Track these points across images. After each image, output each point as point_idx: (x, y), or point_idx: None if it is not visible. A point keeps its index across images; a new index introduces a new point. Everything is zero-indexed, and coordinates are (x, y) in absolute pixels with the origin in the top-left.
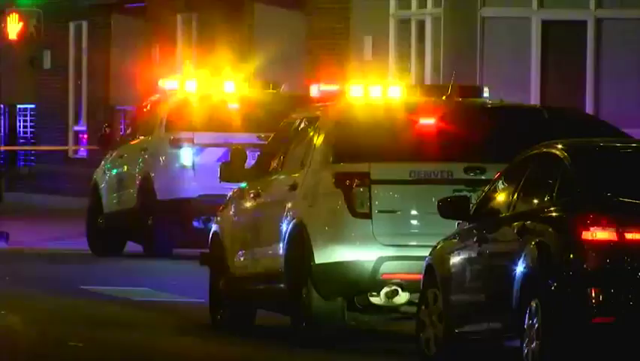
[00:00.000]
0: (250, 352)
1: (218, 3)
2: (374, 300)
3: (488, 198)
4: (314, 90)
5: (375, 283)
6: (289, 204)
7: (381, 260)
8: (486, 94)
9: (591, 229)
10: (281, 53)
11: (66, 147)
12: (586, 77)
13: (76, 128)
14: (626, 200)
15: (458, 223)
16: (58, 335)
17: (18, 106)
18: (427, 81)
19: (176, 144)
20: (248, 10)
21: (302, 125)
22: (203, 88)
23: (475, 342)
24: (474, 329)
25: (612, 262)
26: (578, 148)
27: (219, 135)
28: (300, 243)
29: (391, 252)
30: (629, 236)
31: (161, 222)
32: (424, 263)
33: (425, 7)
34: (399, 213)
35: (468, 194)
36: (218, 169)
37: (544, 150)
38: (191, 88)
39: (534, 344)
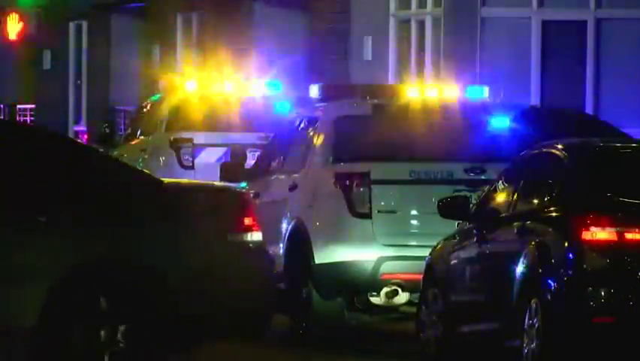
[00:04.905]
0: (250, 352)
1: (218, 3)
2: (374, 300)
3: (488, 198)
4: (314, 90)
5: (375, 283)
6: (289, 204)
7: (381, 260)
8: (486, 94)
9: (591, 228)
10: (281, 53)
11: None
12: (586, 77)
13: (76, 128)
14: (626, 200)
15: (458, 223)
16: None
17: (18, 106)
18: (427, 81)
19: (176, 144)
20: (248, 10)
21: (302, 125)
22: (205, 88)
23: (475, 342)
24: (474, 329)
25: (612, 262)
26: (578, 148)
27: (219, 135)
28: (300, 243)
29: (391, 252)
30: (629, 236)
31: None
32: (424, 263)
33: (425, 7)
34: (399, 213)
35: (468, 194)
36: (218, 169)
37: (544, 150)
38: (191, 87)
39: (534, 344)
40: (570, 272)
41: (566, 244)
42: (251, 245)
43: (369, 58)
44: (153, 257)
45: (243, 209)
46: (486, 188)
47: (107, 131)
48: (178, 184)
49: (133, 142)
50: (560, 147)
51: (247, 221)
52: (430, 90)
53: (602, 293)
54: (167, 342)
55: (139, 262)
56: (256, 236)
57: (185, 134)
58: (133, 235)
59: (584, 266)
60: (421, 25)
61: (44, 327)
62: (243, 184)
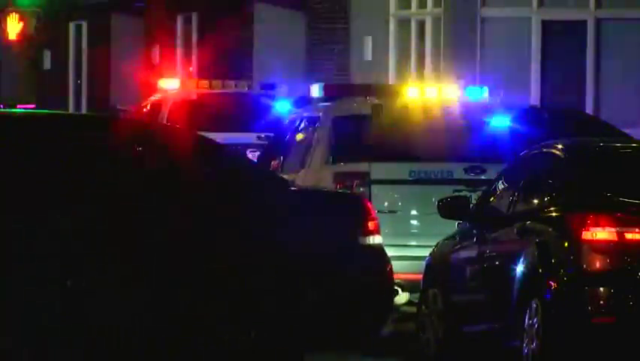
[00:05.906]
0: None
1: (218, 3)
2: None
3: (488, 198)
4: (314, 90)
5: None
6: None
7: None
8: (485, 94)
9: (591, 229)
10: (281, 53)
11: None
12: (586, 77)
13: None
14: (626, 200)
15: (458, 223)
16: None
17: (18, 106)
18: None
19: None
20: (248, 10)
21: (302, 125)
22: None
23: (475, 342)
24: (474, 329)
25: (612, 262)
26: (578, 148)
27: (219, 135)
28: None
29: (391, 252)
30: (629, 236)
31: None
32: (424, 263)
33: (425, 7)
34: (399, 213)
35: (468, 194)
36: None
37: (544, 150)
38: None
39: (534, 344)
40: (570, 272)
41: (566, 244)
42: (376, 248)
43: (369, 58)
44: (289, 258)
45: (367, 213)
46: (486, 188)
47: None
48: (305, 187)
49: None
50: (560, 147)
51: (371, 225)
52: (429, 90)
53: (602, 293)
54: (299, 345)
55: (278, 264)
56: (378, 239)
57: None
58: (272, 236)
59: (584, 266)
60: (421, 25)
61: (195, 330)
62: None
